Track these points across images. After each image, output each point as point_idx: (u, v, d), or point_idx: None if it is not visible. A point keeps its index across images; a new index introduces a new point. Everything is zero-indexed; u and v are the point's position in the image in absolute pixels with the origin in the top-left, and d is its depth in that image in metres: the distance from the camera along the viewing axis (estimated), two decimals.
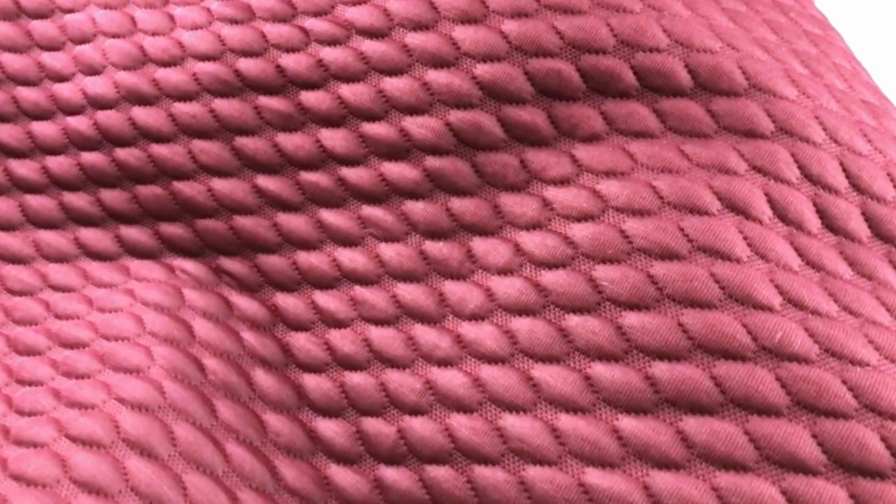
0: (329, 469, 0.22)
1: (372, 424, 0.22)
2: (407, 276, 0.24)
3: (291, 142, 0.25)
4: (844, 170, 0.23)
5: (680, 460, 0.20)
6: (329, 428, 0.22)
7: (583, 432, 0.21)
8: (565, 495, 0.20)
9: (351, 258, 0.24)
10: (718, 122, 0.23)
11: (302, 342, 0.24)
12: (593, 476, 0.21)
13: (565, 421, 0.21)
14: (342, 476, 0.21)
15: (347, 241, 0.24)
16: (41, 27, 0.28)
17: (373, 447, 0.22)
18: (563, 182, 0.23)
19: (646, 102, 0.24)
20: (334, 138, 0.25)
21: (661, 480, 0.20)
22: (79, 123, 0.27)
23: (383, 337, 0.23)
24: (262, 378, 0.23)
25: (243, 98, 0.26)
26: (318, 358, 0.23)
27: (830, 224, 0.22)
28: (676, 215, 0.22)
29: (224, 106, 0.26)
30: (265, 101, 0.26)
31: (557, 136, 0.24)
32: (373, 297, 0.23)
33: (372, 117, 0.25)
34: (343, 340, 0.23)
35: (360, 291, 0.24)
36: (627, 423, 0.21)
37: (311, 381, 0.23)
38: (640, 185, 0.23)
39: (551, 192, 0.23)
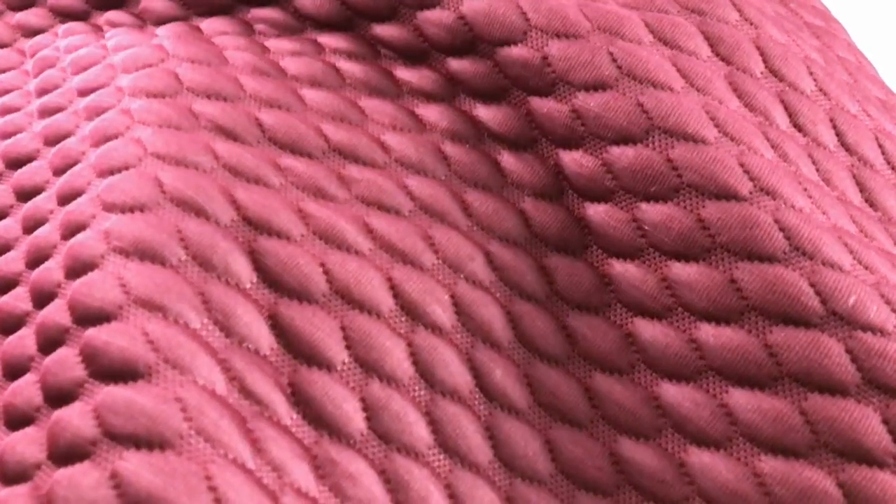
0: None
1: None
2: (420, 170, 0.20)
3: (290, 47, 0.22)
4: (882, 148, 0.21)
5: (719, 438, 0.18)
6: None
7: (618, 397, 0.18)
8: (595, 462, 0.18)
9: (335, 129, 0.20)
10: None
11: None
12: (626, 446, 0.18)
13: (600, 381, 0.19)
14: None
15: (336, 117, 0.21)
16: None
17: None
18: (599, 87, 0.20)
19: None
20: (338, 39, 0.22)
21: (696, 458, 0.18)
22: None
23: (391, 225, 0.19)
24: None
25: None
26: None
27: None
28: (735, 148, 0.19)
29: None
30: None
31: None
32: (373, 177, 0.20)
33: (381, 18, 0.22)
34: (324, 213, 0.19)
35: (353, 169, 0.20)
36: (666, 390, 0.18)
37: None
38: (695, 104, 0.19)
39: (580, 99, 0.20)
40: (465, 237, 0.19)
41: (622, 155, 0.19)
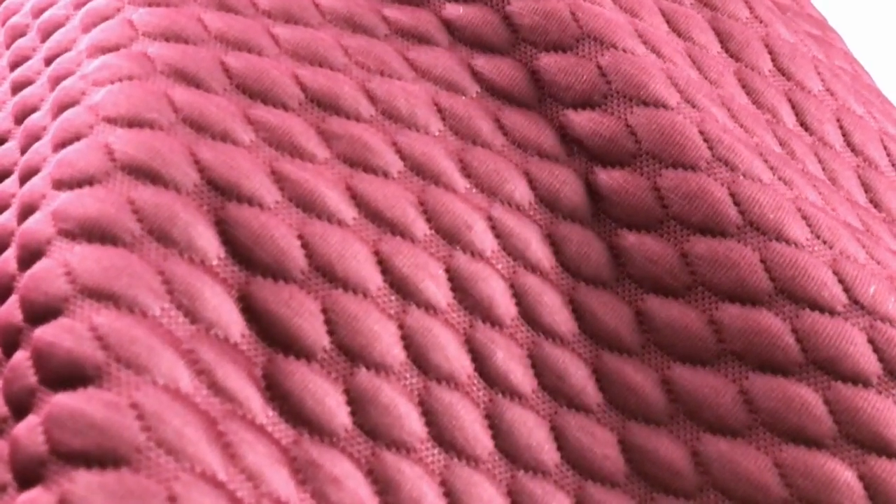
0: None
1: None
2: (411, 124, 0.18)
3: None
4: (886, 151, 0.21)
5: (738, 426, 0.17)
6: None
7: (628, 380, 0.17)
8: (603, 451, 0.16)
9: (313, 75, 0.18)
10: None
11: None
12: (636, 433, 0.17)
13: (609, 362, 0.17)
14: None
15: (314, 61, 0.18)
16: None
17: None
18: (629, 51, 0.19)
19: None
20: None
21: (713, 447, 0.16)
22: None
23: (378, 189, 0.17)
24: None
25: None
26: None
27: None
28: (751, 140, 0.19)
29: None
30: None
31: None
32: (358, 132, 0.17)
33: None
34: (301, 175, 0.16)
35: (333, 123, 0.17)
36: (681, 374, 0.17)
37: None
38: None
39: (608, 57, 0.18)
40: (463, 201, 0.17)
41: (655, 116, 0.17)
